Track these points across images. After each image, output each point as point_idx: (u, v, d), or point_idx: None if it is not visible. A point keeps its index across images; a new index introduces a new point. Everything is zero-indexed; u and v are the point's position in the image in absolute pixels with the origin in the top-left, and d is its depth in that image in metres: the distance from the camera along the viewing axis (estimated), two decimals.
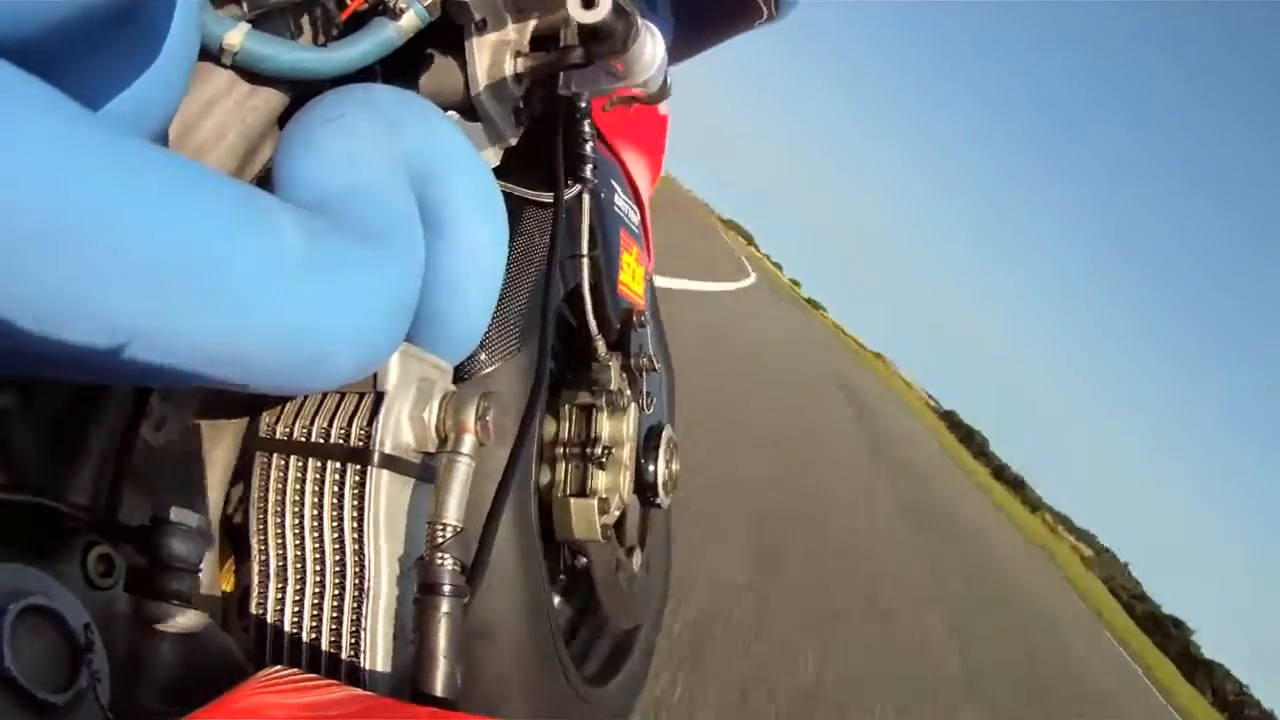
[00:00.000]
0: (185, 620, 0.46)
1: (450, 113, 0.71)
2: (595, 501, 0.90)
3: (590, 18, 0.63)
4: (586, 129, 0.91)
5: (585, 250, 0.92)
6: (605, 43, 0.68)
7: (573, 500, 0.91)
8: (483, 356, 0.78)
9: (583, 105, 0.90)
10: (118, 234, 0.34)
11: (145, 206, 0.35)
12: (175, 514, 0.47)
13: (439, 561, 0.55)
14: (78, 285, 0.33)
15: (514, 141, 0.76)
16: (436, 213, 0.61)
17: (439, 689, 0.54)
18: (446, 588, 0.55)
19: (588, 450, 0.91)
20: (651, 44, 0.73)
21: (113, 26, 0.41)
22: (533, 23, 0.74)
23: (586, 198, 0.92)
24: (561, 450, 0.93)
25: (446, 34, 0.69)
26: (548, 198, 0.85)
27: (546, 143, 0.84)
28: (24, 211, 0.30)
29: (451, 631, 0.54)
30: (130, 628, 0.45)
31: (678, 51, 1.15)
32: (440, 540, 0.55)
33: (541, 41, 0.77)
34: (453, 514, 0.56)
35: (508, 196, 0.69)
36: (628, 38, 0.68)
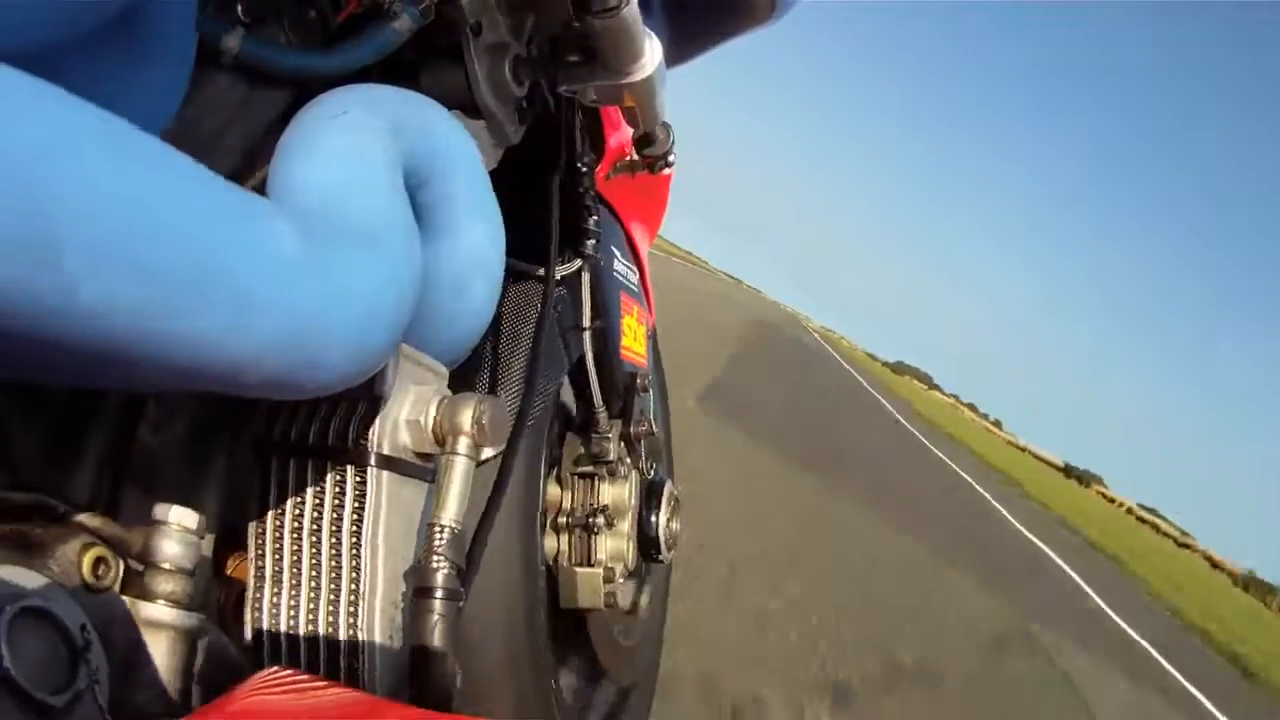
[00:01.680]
0: (183, 621, 0.46)
1: (454, 111, 0.71)
2: (600, 570, 0.92)
3: None
4: (589, 201, 0.92)
5: (587, 323, 0.93)
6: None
7: (578, 570, 0.92)
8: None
9: (585, 174, 0.90)
10: (110, 230, 0.33)
11: (140, 202, 0.35)
12: (173, 515, 0.47)
13: (436, 563, 0.55)
14: (70, 285, 0.32)
15: (516, 141, 0.77)
16: (439, 212, 0.61)
17: (438, 690, 0.54)
18: (442, 590, 0.55)
19: (591, 520, 0.93)
20: (650, 44, 0.73)
21: (112, 26, 0.41)
22: (529, 22, 0.75)
23: (586, 273, 0.92)
24: (566, 520, 0.95)
25: (444, 36, 0.69)
26: (543, 271, 0.86)
27: (544, 217, 0.85)
28: (16, 208, 0.30)
29: (449, 632, 0.55)
30: (128, 629, 0.45)
31: (674, 55, 1.16)
32: (439, 541, 0.56)
33: (539, 42, 0.78)
34: (452, 514, 0.56)
35: (507, 268, 0.69)
36: None
